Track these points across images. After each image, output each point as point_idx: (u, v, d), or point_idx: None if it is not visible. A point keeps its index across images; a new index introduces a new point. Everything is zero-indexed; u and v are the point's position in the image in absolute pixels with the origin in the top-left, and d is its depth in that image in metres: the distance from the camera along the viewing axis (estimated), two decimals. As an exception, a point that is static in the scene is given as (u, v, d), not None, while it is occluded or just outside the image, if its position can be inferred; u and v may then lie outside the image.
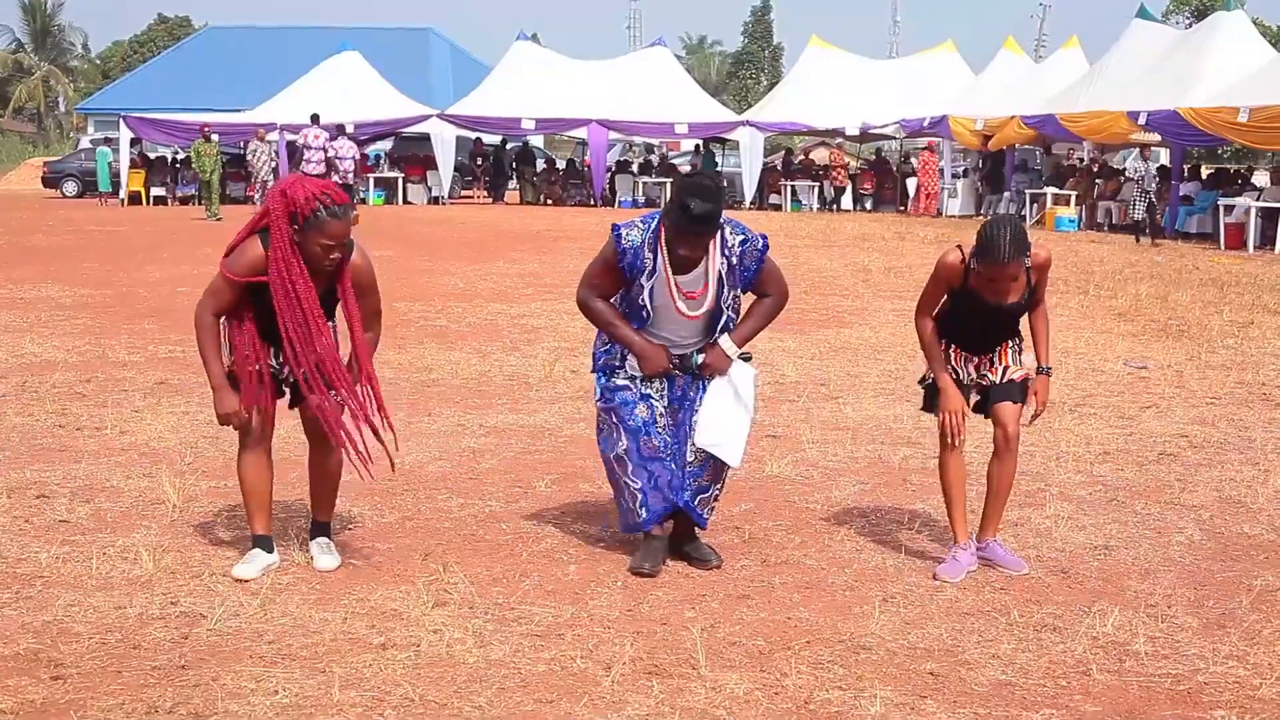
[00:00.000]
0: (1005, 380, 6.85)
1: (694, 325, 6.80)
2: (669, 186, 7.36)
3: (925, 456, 9.24)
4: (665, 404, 6.83)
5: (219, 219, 32.20)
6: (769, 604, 6.32)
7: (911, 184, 43.06)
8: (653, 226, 6.70)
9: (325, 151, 34.10)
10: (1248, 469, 9.06)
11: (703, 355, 6.79)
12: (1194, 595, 6.56)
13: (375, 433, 6.68)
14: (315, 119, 34.79)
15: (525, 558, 6.98)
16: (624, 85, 43.67)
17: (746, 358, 6.89)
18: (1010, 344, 6.91)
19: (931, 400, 6.98)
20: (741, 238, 6.73)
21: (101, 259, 22.74)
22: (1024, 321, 6.94)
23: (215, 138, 35.85)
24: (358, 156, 36.56)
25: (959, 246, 6.72)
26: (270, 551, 6.69)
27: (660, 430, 6.78)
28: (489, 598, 6.32)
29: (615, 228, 6.79)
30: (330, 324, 6.59)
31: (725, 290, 6.76)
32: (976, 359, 6.92)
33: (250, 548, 6.70)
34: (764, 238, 6.84)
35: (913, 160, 45.13)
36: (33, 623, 5.89)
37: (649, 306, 6.74)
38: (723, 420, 6.76)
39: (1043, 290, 6.84)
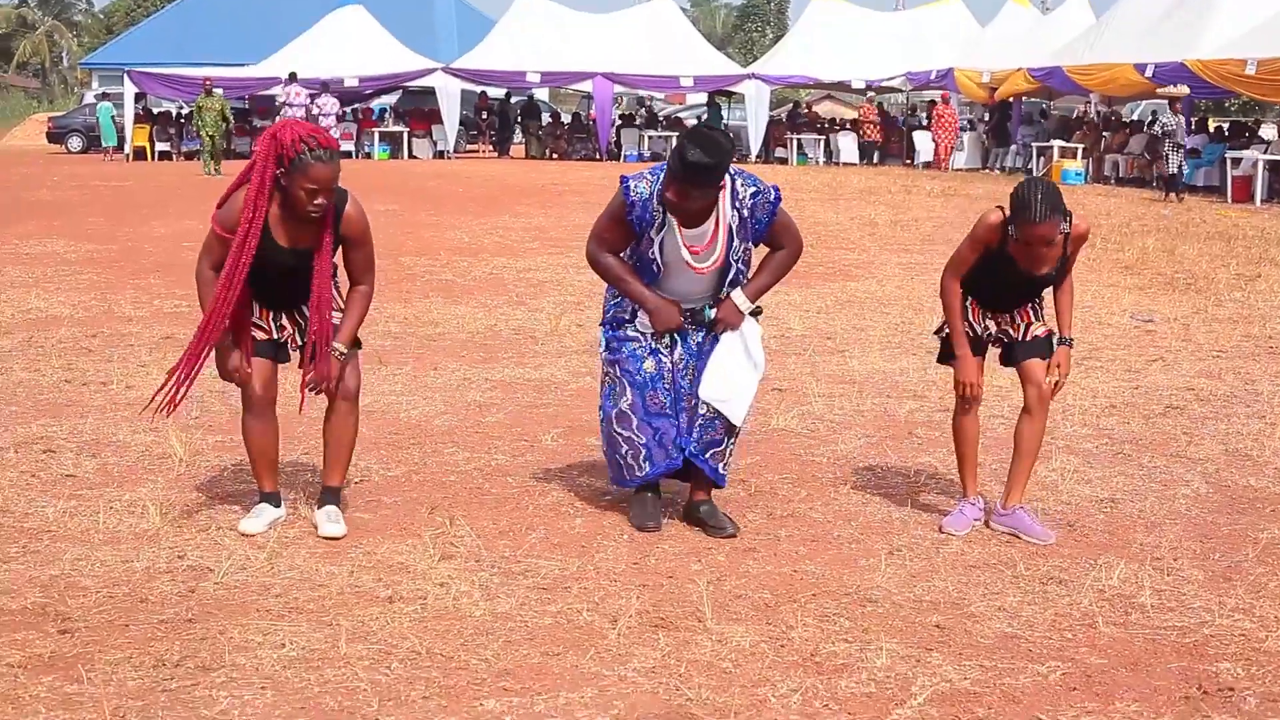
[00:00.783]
0: (1030, 337, 6.73)
1: (704, 279, 6.66)
2: (675, 140, 7.37)
3: (931, 410, 9.24)
4: (675, 358, 6.71)
5: (220, 175, 31.71)
6: (775, 557, 6.32)
7: (919, 138, 42.82)
8: (662, 178, 6.53)
9: (307, 109, 34.83)
10: (1254, 422, 9.06)
11: (715, 310, 6.68)
12: (1200, 548, 6.56)
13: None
14: (293, 77, 35.28)
15: (531, 511, 6.99)
16: (629, 38, 43.51)
17: (757, 312, 6.80)
18: (1030, 303, 6.79)
19: (948, 353, 6.86)
20: (753, 190, 6.58)
21: (106, 214, 22.71)
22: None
23: (219, 92, 35.57)
24: (339, 112, 36.92)
25: (1000, 207, 6.50)
26: (277, 506, 6.65)
27: (668, 387, 6.68)
28: (495, 551, 6.33)
29: (624, 179, 6.67)
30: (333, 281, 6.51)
31: (736, 243, 6.61)
32: (995, 315, 6.80)
33: (257, 502, 6.69)
34: (776, 189, 6.68)
35: (919, 114, 44.86)
36: (40, 577, 5.91)
37: (659, 260, 6.60)
38: (730, 376, 6.65)
39: (1073, 262, 6.67)
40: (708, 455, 6.70)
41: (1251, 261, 17.81)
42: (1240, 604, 5.82)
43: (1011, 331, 6.78)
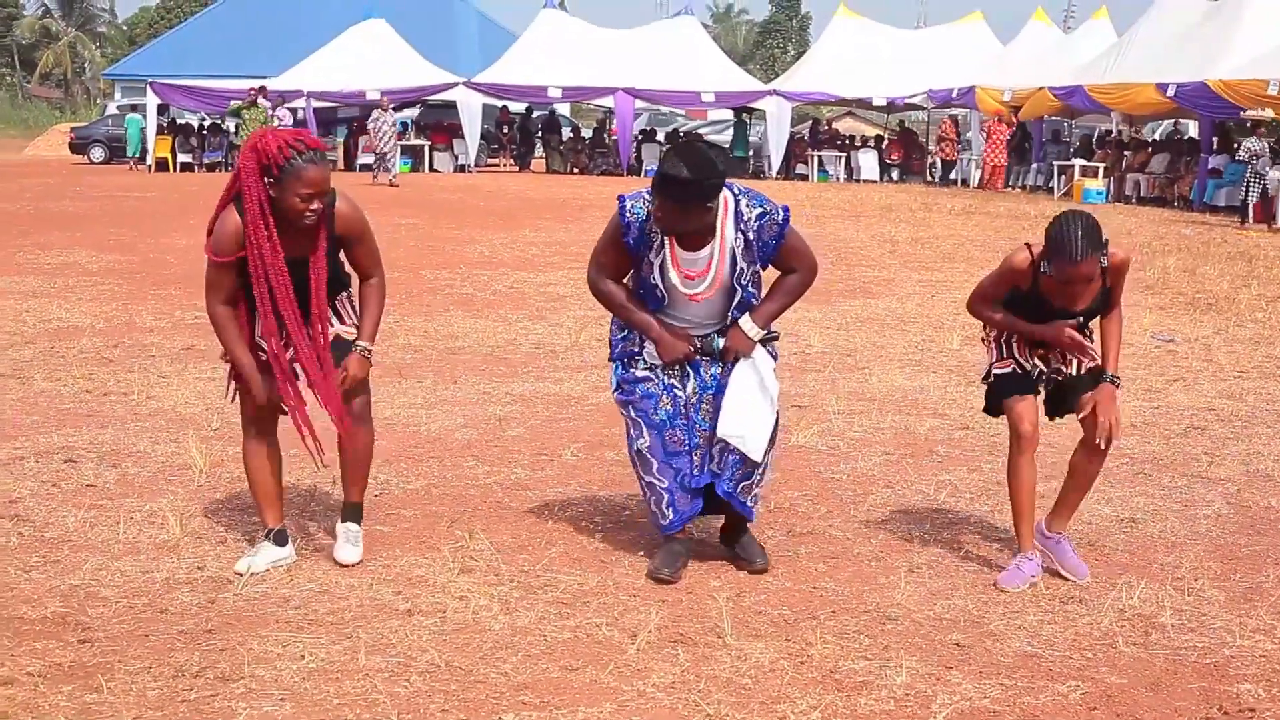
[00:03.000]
0: (1085, 370, 6.29)
1: (706, 305, 6.29)
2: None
3: (951, 428, 9.23)
4: (689, 391, 6.32)
5: None
6: (794, 574, 6.31)
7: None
8: None
9: (287, 120, 36.69)
10: (1276, 443, 9.03)
11: (723, 338, 6.31)
12: (1220, 569, 6.54)
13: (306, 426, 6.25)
14: (262, 90, 36.20)
15: (551, 525, 6.99)
16: (651, 54, 43.53)
17: (773, 337, 6.47)
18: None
19: (995, 401, 6.42)
20: (759, 210, 6.17)
21: (128, 225, 22.78)
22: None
23: (265, 103, 35.37)
24: (291, 125, 37.52)
25: (1028, 245, 6.10)
26: (282, 545, 6.29)
27: (685, 422, 6.30)
28: (515, 565, 6.33)
29: (621, 199, 6.28)
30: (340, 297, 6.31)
31: (741, 266, 6.20)
32: (1042, 352, 6.36)
33: (262, 540, 6.36)
34: (785, 209, 6.23)
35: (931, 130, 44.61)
36: (60, 586, 5.92)
37: (661, 286, 6.24)
38: (745, 410, 6.23)
39: (1119, 293, 6.19)
40: (739, 490, 6.36)
41: (1273, 282, 17.76)
42: (1261, 625, 5.79)
43: (1065, 368, 6.35)
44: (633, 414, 6.37)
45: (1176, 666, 5.36)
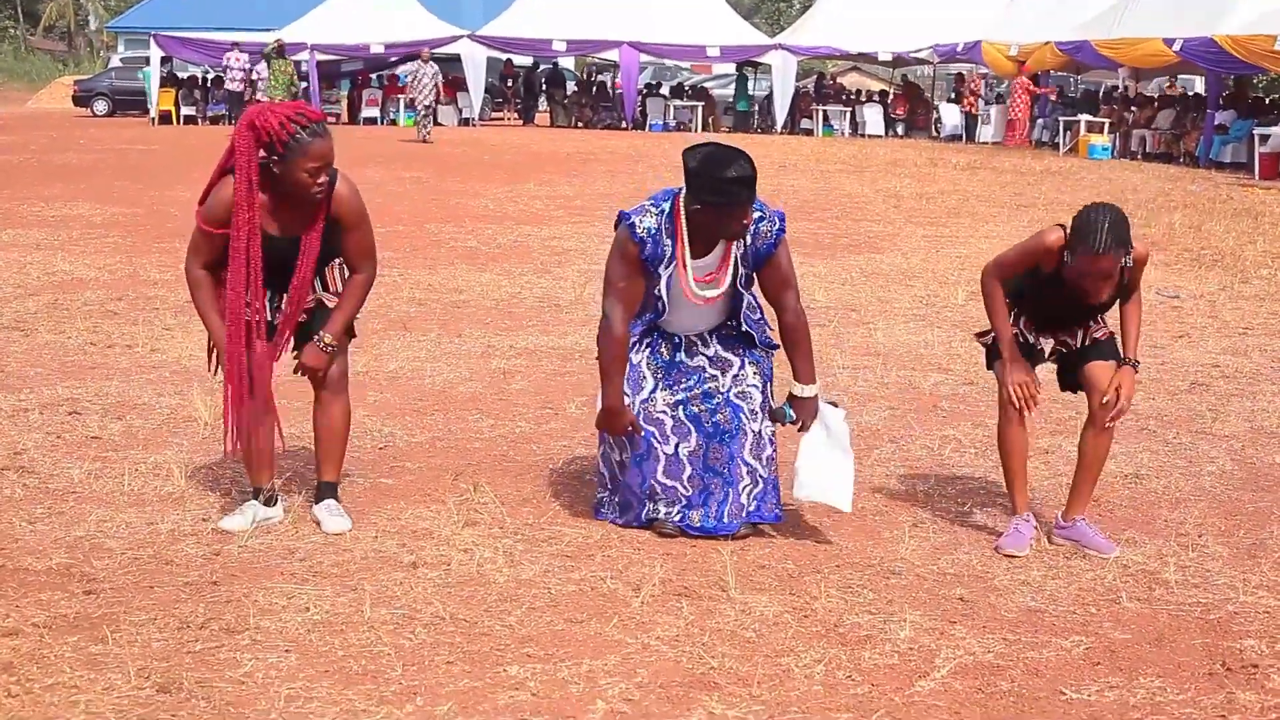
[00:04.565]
0: (1089, 340, 6.26)
1: (710, 311, 6.20)
2: (684, 157, 7.06)
3: (956, 383, 9.23)
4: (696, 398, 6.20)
5: None
6: (798, 528, 6.32)
7: (946, 110, 42.64)
8: (668, 210, 6.03)
9: (245, 72, 37.37)
10: (1280, 399, 9.03)
11: (792, 409, 6.22)
12: (1225, 525, 6.55)
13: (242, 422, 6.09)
14: (236, 45, 36.84)
15: (555, 479, 6.99)
16: (656, 7, 43.31)
17: (833, 403, 6.40)
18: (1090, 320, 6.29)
19: (995, 358, 6.33)
20: (758, 214, 6.04)
21: (132, 178, 22.75)
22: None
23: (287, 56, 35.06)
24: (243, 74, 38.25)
25: (1061, 226, 5.96)
26: (271, 505, 6.20)
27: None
28: (519, 518, 6.34)
29: (624, 216, 6.07)
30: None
31: (743, 271, 6.12)
32: (1050, 331, 6.33)
33: (248, 499, 6.26)
34: (781, 216, 6.17)
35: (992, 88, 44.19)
36: (65, 538, 5.93)
37: (665, 296, 6.10)
38: (822, 467, 6.17)
39: (1138, 281, 6.14)
40: (764, 508, 6.24)
41: (1279, 239, 17.71)
42: (1265, 581, 5.80)
43: (1070, 340, 6.30)
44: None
45: (1180, 622, 5.37)
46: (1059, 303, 6.13)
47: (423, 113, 34.25)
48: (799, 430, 6.25)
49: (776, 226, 6.11)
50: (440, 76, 35.57)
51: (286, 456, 6.85)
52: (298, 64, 38.68)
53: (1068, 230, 5.89)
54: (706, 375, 6.22)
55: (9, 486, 6.61)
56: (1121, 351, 6.19)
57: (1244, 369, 9.94)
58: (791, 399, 6.26)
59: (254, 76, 37.44)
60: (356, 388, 7.89)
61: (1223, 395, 9.12)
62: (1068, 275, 5.93)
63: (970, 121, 41.58)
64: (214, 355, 6.18)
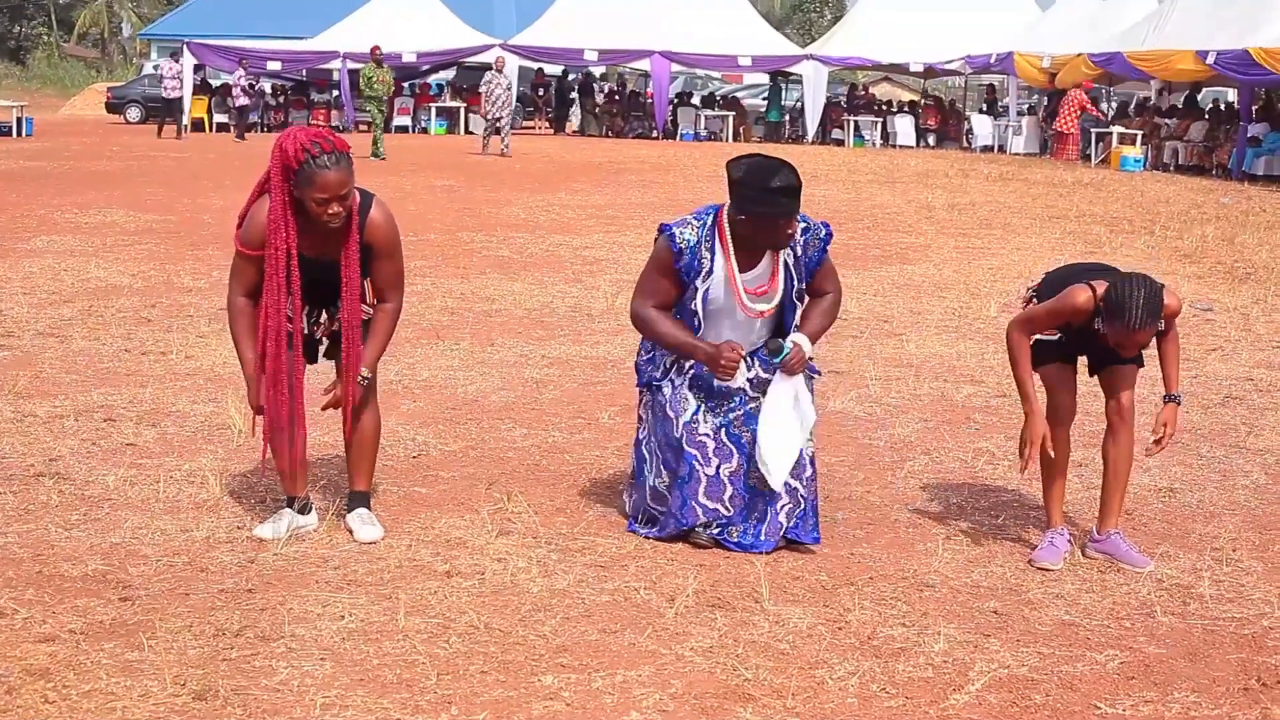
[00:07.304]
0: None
1: (758, 325, 6.18)
2: (729, 168, 7.02)
3: (989, 395, 9.21)
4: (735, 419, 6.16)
5: (383, 158, 29.08)
6: (832, 540, 6.31)
7: (977, 121, 42.54)
8: (709, 223, 6.06)
9: (245, 89, 38.03)
10: (1315, 413, 8.99)
11: (792, 345, 6.08)
12: (1259, 539, 6.52)
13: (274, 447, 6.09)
14: (241, 60, 37.29)
15: (588, 488, 7.00)
16: (687, 17, 43.30)
17: (817, 371, 6.39)
18: None
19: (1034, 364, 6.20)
20: (803, 225, 6.10)
21: (165, 185, 22.81)
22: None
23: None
24: (244, 85, 38.51)
25: (1091, 286, 5.88)
26: (305, 513, 6.19)
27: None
28: (553, 527, 6.35)
29: (665, 228, 6.11)
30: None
31: (794, 283, 6.15)
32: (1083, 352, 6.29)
33: (283, 507, 6.26)
34: (826, 226, 6.25)
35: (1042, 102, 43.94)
36: (101, 544, 5.96)
37: (700, 312, 6.10)
38: (777, 430, 6.07)
39: (1172, 324, 6.08)
40: (805, 528, 6.21)
41: (1312, 252, 17.64)
42: (1300, 596, 5.79)
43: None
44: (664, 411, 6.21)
45: (1214, 637, 5.36)
46: (1091, 348, 6.17)
47: (492, 125, 32.71)
48: (780, 371, 6.07)
49: (822, 235, 6.19)
50: (515, 88, 34.76)
51: (320, 465, 6.89)
52: (255, 77, 39.22)
53: (1097, 294, 5.85)
54: (748, 397, 6.18)
55: (45, 493, 6.65)
56: (1165, 388, 6.20)
57: (1278, 383, 9.89)
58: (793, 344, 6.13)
59: (258, 86, 37.71)
60: (389, 396, 7.95)
61: (1256, 409, 9.08)
62: (1101, 334, 5.92)
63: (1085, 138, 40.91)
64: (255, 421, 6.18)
